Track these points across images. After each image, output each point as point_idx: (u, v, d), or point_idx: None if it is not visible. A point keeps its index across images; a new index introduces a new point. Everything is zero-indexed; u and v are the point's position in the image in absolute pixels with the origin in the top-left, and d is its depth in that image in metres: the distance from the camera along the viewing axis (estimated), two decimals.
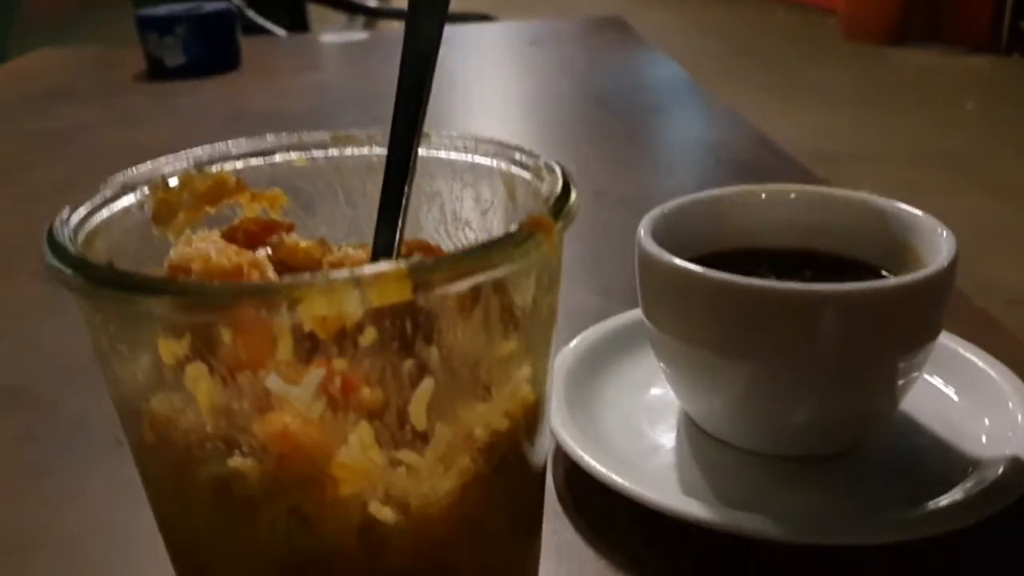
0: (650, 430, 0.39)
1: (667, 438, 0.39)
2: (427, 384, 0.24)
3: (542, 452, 0.29)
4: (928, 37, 3.88)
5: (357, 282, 0.21)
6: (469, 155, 0.31)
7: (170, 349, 0.23)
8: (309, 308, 0.21)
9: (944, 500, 0.33)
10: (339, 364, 0.23)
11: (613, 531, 0.35)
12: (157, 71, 1.18)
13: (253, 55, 1.25)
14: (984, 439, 0.36)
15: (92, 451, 0.42)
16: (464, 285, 0.23)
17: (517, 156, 0.30)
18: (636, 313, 0.45)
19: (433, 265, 0.22)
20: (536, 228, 0.24)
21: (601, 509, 0.36)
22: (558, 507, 0.36)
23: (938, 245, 0.36)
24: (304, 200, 0.33)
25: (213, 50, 1.20)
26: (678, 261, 0.35)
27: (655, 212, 0.39)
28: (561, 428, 0.37)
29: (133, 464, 0.40)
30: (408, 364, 0.23)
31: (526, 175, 0.30)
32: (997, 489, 0.33)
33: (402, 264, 0.22)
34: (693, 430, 0.39)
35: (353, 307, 0.22)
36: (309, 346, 0.23)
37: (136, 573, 0.34)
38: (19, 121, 1.01)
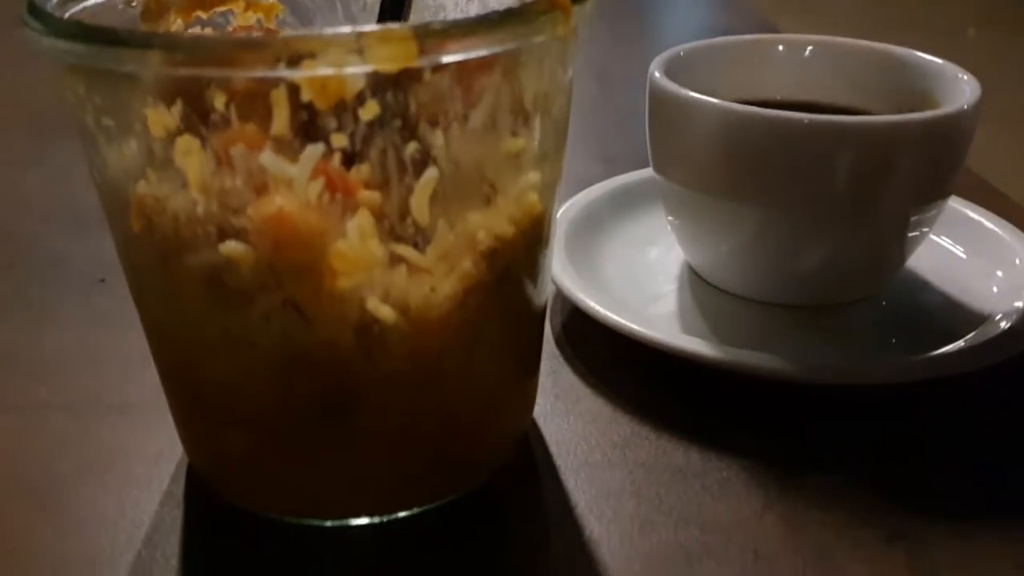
0: (653, 283, 0.38)
1: (670, 289, 0.38)
2: (431, 174, 0.22)
3: (545, 277, 0.28)
4: None
5: (360, 39, 0.20)
6: None
7: (160, 120, 0.21)
8: (309, 65, 0.20)
9: (952, 347, 0.32)
10: (338, 140, 0.21)
11: (611, 372, 0.34)
12: None
13: None
14: (994, 294, 0.36)
15: (71, 286, 0.41)
16: (474, 54, 0.21)
17: None
18: (640, 174, 0.44)
19: (442, 28, 0.21)
20: (554, 5, 0.22)
21: (600, 352, 0.35)
22: (556, 351, 0.35)
23: (960, 91, 0.35)
24: (300, 11, 0.31)
25: None
26: (692, 94, 0.34)
27: (669, 53, 0.38)
28: (562, 273, 0.36)
29: (115, 298, 0.39)
30: (411, 147, 0.22)
31: None
32: (1005, 338, 0.32)
33: (407, 27, 0.20)
34: (697, 282, 0.38)
35: (355, 67, 0.20)
36: (307, 118, 0.21)
37: (115, 394, 0.33)
38: None
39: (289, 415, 0.25)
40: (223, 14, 0.30)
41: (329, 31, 0.20)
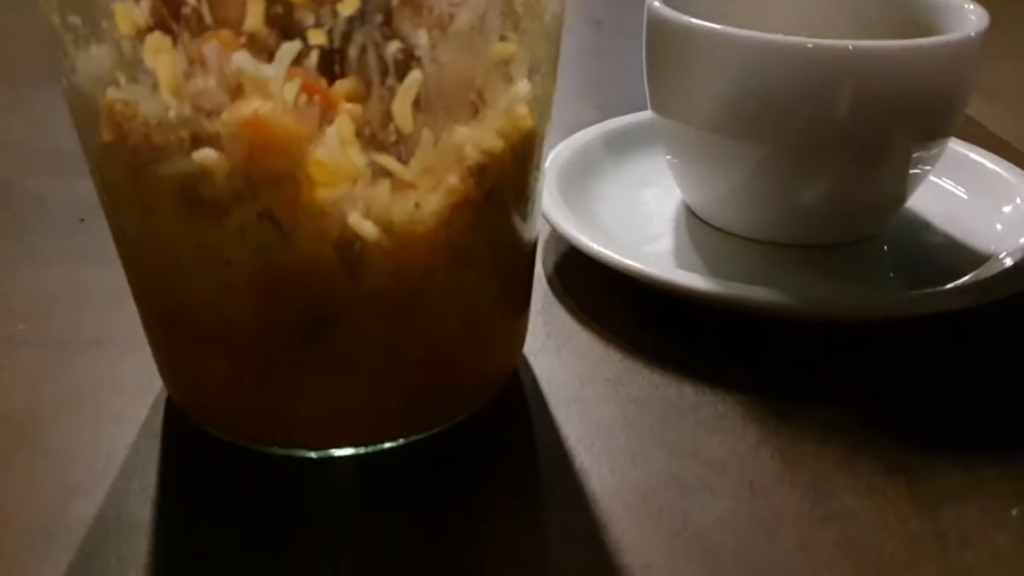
0: (649, 223, 0.37)
1: (666, 228, 0.37)
2: (414, 76, 0.21)
3: (536, 202, 0.27)
4: None
5: None
6: None
7: (127, 15, 0.20)
8: None
9: (954, 284, 0.31)
10: (315, 36, 0.20)
11: (604, 310, 0.33)
12: None
13: None
14: (997, 232, 0.35)
15: (51, 227, 0.40)
16: None
17: None
18: (637, 116, 0.43)
19: None
20: None
21: (593, 290, 0.34)
22: (548, 289, 0.34)
23: (966, 20, 0.33)
24: None
25: None
26: (692, 20, 0.32)
27: None
28: (554, 211, 0.35)
29: (94, 238, 0.38)
30: (393, 47, 0.21)
31: None
32: (1009, 274, 0.31)
33: None
34: (695, 222, 0.37)
35: None
36: (283, 12, 0.20)
37: (93, 329, 0.32)
38: None
39: (268, 337, 0.24)
40: None
41: None
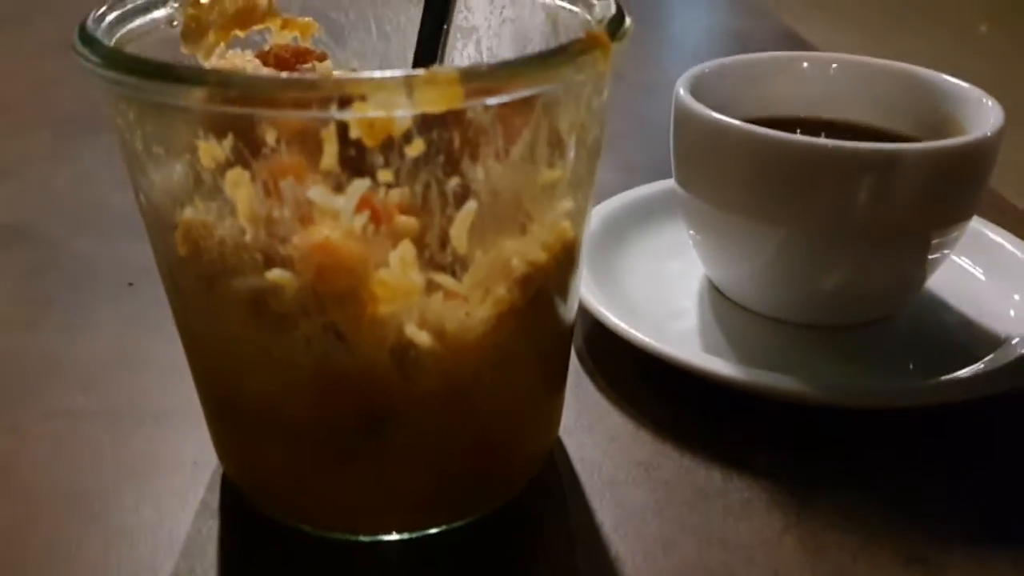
0: (674, 297, 0.39)
1: (691, 304, 0.39)
2: (471, 206, 0.23)
3: (574, 298, 0.29)
4: None
5: (409, 82, 0.21)
6: None
7: (210, 152, 0.22)
8: (359, 106, 0.20)
9: (970, 370, 0.33)
10: (384, 175, 0.22)
11: (633, 388, 0.35)
12: None
13: None
14: (1012, 316, 0.36)
15: (101, 289, 0.41)
16: (517, 95, 0.22)
17: None
18: (661, 184, 0.44)
19: (487, 71, 0.21)
20: (594, 44, 0.23)
21: (621, 367, 0.36)
22: (579, 367, 0.36)
23: (984, 116, 0.35)
24: (335, 31, 0.32)
25: None
26: (717, 116, 0.34)
27: (694, 70, 0.38)
28: (583, 287, 0.36)
29: (144, 302, 0.40)
30: (453, 182, 0.23)
31: (572, 7, 0.29)
32: (1021, 362, 0.33)
33: (455, 68, 0.21)
34: (718, 298, 0.39)
35: (403, 108, 0.21)
36: (355, 154, 0.22)
37: (150, 401, 0.34)
38: None
39: (326, 432, 0.26)
40: (260, 32, 0.31)
41: (379, 74, 0.20)
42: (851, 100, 0.39)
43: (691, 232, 0.39)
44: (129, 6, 0.27)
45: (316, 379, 0.25)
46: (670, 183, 0.42)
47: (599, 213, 0.42)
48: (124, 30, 0.26)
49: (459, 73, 0.21)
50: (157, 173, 0.24)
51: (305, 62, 0.30)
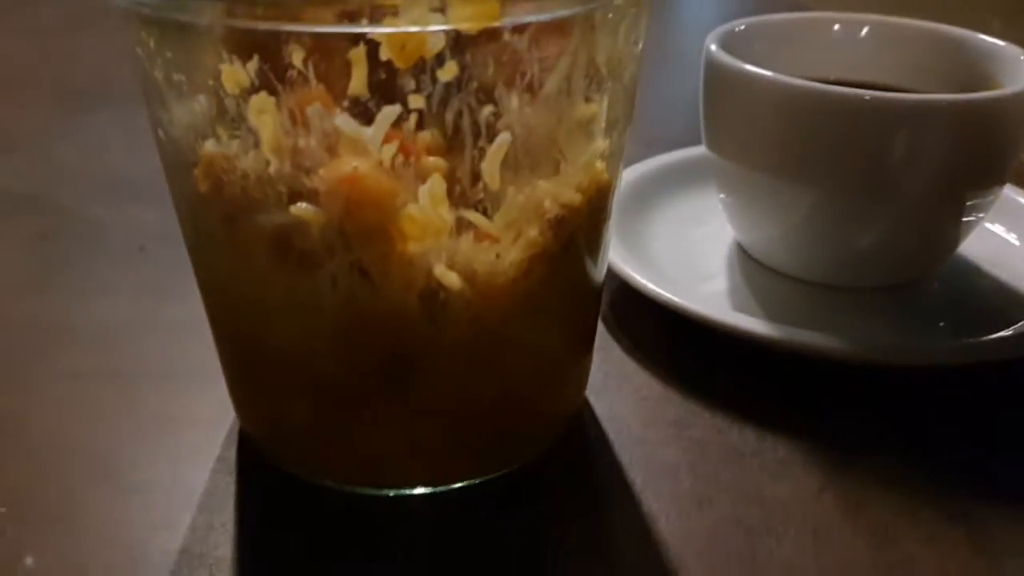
0: (702, 261, 0.38)
1: (720, 267, 0.38)
2: (504, 138, 0.22)
3: (605, 251, 0.28)
4: None
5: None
6: None
7: (234, 76, 0.21)
8: (391, 21, 0.19)
9: (1007, 332, 0.32)
10: (415, 101, 0.21)
11: (661, 350, 0.34)
12: None
13: None
14: None
15: (113, 254, 0.41)
16: (556, 14, 0.21)
17: None
18: (686, 152, 0.44)
19: None
20: None
21: (649, 329, 0.35)
22: (605, 330, 0.35)
23: (1021, 72, 0.34)
24: None
25: None
26: (749, 67, 0.33)
27: (725, 28, 0.37)
28: (611, 250, 0.35)
29: (156, 266, 0.39)
30: (486, 111, 0.22)
31: None
32: None
33: None
34: (748, 261, 0.38)
35: (436, 23, 0.20)
36: (384, 78, 0.21)
37: (163, 362, 0.33)
38: None
39: (350, 381, 0.25)
40: None
41: None
42: (884, 62, 0.38)
43: (721, 196, 0.38)
44: None
45: (340, 322, 0.24)
46: (696, 151, 0.41)
47: (625, 179, 0.41)
48: None
49: None
50: (178, 106, 0.23)
51: None
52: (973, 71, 0.37)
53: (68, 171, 0.49)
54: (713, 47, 0.36)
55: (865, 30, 0.39)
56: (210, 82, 0.22)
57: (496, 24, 0.20)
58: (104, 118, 0.56)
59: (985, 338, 0.31)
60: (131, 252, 0.41)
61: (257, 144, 0.22)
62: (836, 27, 0.40)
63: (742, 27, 0.38)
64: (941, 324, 0.34)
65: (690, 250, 0.38)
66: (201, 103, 0.23)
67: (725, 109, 0.36)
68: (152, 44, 0.22)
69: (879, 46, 0.39)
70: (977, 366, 0.31)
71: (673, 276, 0.36)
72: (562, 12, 0.21)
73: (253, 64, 0.21)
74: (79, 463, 0.29)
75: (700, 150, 0.38)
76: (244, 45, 0.21)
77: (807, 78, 0.39)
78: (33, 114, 0.57)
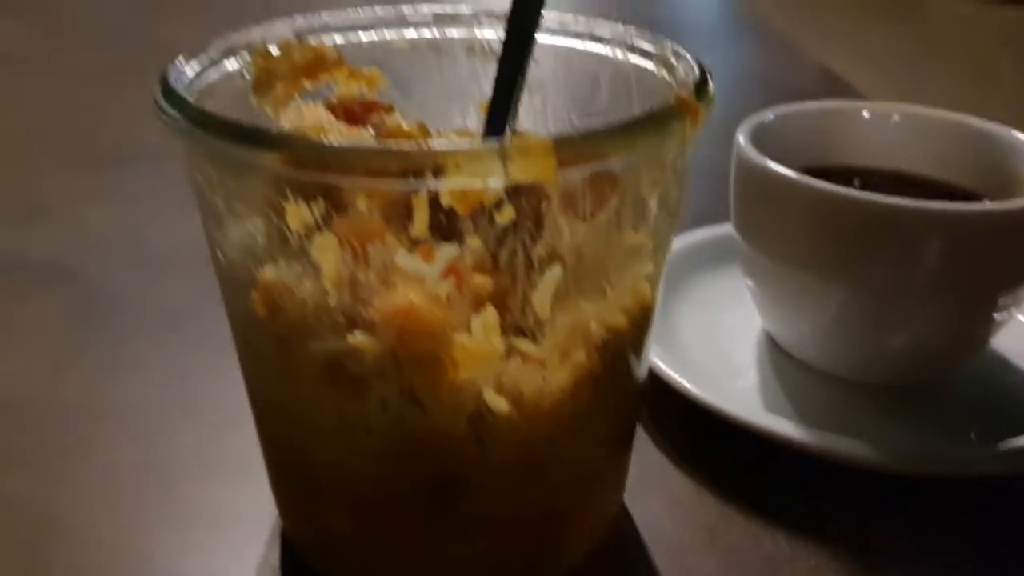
0: (732, 350, 0.38)
1: (750, 359, 0.38)
2: (555, 271, 0.23)
3: (646, 359, 0.28)
4: None
5: (503, 154, 0.20)
6: (582, 41, 0.30)
7: (299, 215, 0.22)
8: (452, 176, 0.20)
9: None
10: (472, 242, 0.22)
11: (694, 447, 0.34)
12: None
13: None
14: None
15: (146, 331, 0.41)
16: (609, 164, 0.21)
17: (637, 42, 0.29)
18: (711, 230, 0.44)
19: (581, 140, 0.21)
20: (684, 110, 0.23)
21: (682, 425, 0.35)
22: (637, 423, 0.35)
23: None
24: (401, 82, 0.31)
25: None
26: (781, 169, 0.34)
27: (754, 119, 0.38)
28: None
29: (188, 344, 0.39)
30: (540, 247, 0.22)
31: (647, 64, 0.28)
32: None
33: (548, 138, 0.21)
34: (776, 353, 0.38)
35: (496, 178, 0.20)
36: (444, 220, 0.22)
37: (201, 451, 0.33)
38: (38, 12, 0.97)
39: (397, 498, 0.25)
40: (327, 83, 0.30)
41: (472, 144, 0.20)
42: (913, 151, 0.39)
43: (749, 283, 0.38)
44: (206, 59, 0.26)
45: (389, 443, 0.24)
46: (721, 229, 0.42)
47: None
48: (202, 84, 0.26)
49: (553, 143, 0.20)
50: (237, 230, 0.24)
51: (373, 113, 0.30)
52: (1002, 165, 0.37)
53: (98, 239, 0.50)
54: (742, 140, 0.36)
55: (894, 119, 0.40)
56: (272, 215, 0.22)
57: (553, 177, 0.21)
58: (132, 180, 0.56)
59: (1019, 445, 0.31)
60: (164, 329, 0.41)
61: (317, 275, 0.22)
62: (865, 115, 0.40)
63: (771, 117, 0.39)
64: (973, 425, 0.34)
65: (719, 339, 0.39)
66: (261, 231, 0.23)
67: (756, 203, 0.36)
68: (214, 175, 0.23)
69: (908, 136, 0.39)
70: (1012, 476, 0.32)
71: (703, 368, 0.36)
72: (617, 161, 0.22)
73: (318, 205, 0.21)
74: (118, 560, 0.29)
75: (725, 229, 0.39)
76: (310, 188, 0.21)
77: (836, 166, 0.39)
78: (61, 175, 0.58)
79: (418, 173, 0.20)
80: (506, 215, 0.21)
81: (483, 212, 0.21)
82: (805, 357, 0.37)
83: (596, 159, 0.21)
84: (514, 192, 0.21)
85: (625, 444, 0.30)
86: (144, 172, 0.57)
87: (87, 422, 0.35)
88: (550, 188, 0.22)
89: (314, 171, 0.20)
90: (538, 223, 0.22)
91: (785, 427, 0.32)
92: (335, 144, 0.21)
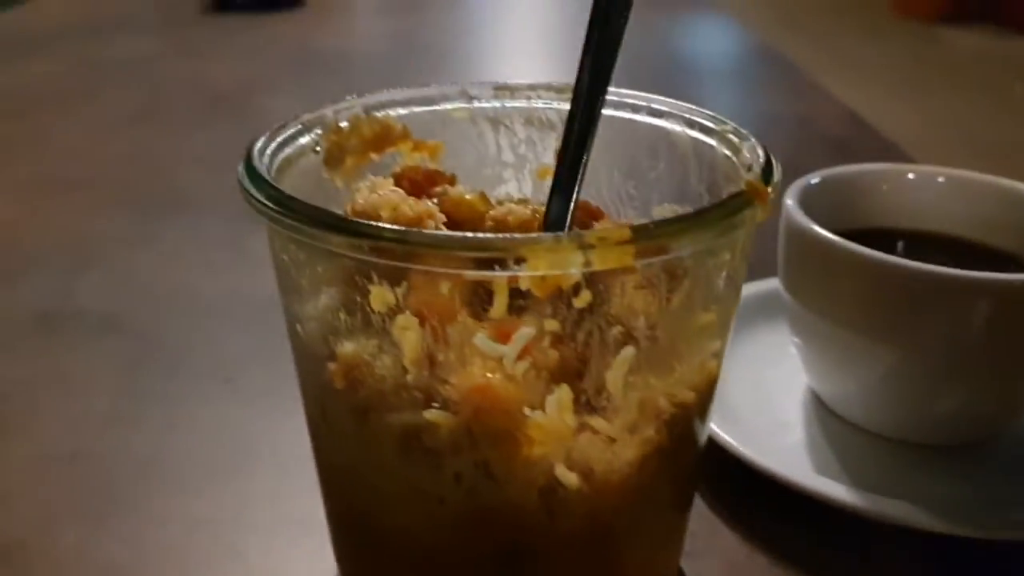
0: (779, 407, 0.39)
1: (796, 417, 0.38)
2: (628, 352, 0.23)
3: (708, 426, 0.29)
4: (983, 17, 3.74)
5: (582, 244, 0.21)
6: (641, 115, 0.31)
7: (382, 297, 0.23)
8: (533, 266, 0.21)
9: None
10: (550, 324, 0.22)
11: (745, 508, 0.34)
12: (222, 4, 1.17)
13: None
14: None
15: (199, 384, 0.42)
16: (683, 252, 0.22)
17: (698, 119, 0.29)
18: (757, 285, 0.44)
19: (657, 230, 0.22)
20: (755, 197, 0.23)
21: (733, 484, 0.35)
22: None
23: None
24: (461, 149, 0.32)
25: None
26: (828, 235, 0.34)
27: (801, 182, 0.39)
28: None
29: (243, 400, 0.40)
30: (615, 330, 0.23)
31: (707, 139, 0.29)
32: None
33: (627, 228, 0.21)
34: (822, 410, 0.38)
35: (575, 267, 0.21)
36: (523, 303, 0.22)
37: (258, 509, 0.34)
38: (82, 49, 1.00)
39: (464, 566, 0.26)
40: (391, 154, 0.31)
41: (553, 236, 0.21)
42: (958, 214, 0.40)
43: (796, 340, 0.39)
44: (283, 136, 0.27)
45: (460, 514, 0.25)
46: (767, 284, 0.42)
47: None
48: (279, 159, 0.27)
49: (631, 233, 0.21)
50: (317, 306, 0.25)
51: (436, 185, 0.30)
52: None
53: (147, 288, 0.51)
54: (790, 203, 0.37)
55: (938, 182, 0.40)
56: (355, 297, 0.23)
57: (630, 265, 0.21)
58: (178, 226, 0.57)
59: None
60: (217, 382, 0.42)
61: (396, 352, 0.23)
62: (911, 176, 0.41)
63: (817, 180, 0.39)
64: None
65: (766, 397, 0.39)
66: (342, 308, 0.24)
67: (803, 265, 0.37)
68: (301, 256, 0.24)
69: (953, 198, 0.40)
70: None
71: (750, 424, 0.37)
72: (691, 249, 0.22)
73: (402, 289, 0.22)
74: None
75: (771, 284, 0.39)
76: (394, 273, 0.22)
77: (882, 228, 0.40)
78: (107, 221, 0.59)
79: (501, 263, 0.21)
80: (583, 300, 0.22)
81: (561, 296, 0.22)
82: (852, 417, 0.37)
83: (672, 249, 0.22)
84: (592, 279, 0.22)
85: (685, 508, 0.30)
86: (189, 218, 0.58)
87: (140, 476, 0.36)
88: (628, 274, 0.23)
89: (398, 259, 0.21)
90: (613, 306, 0.23)
91: (836, 490, 0.32)
92: (421, 235, 0.21)
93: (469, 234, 0.21)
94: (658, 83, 0.86)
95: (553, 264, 0.21)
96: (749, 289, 0.44)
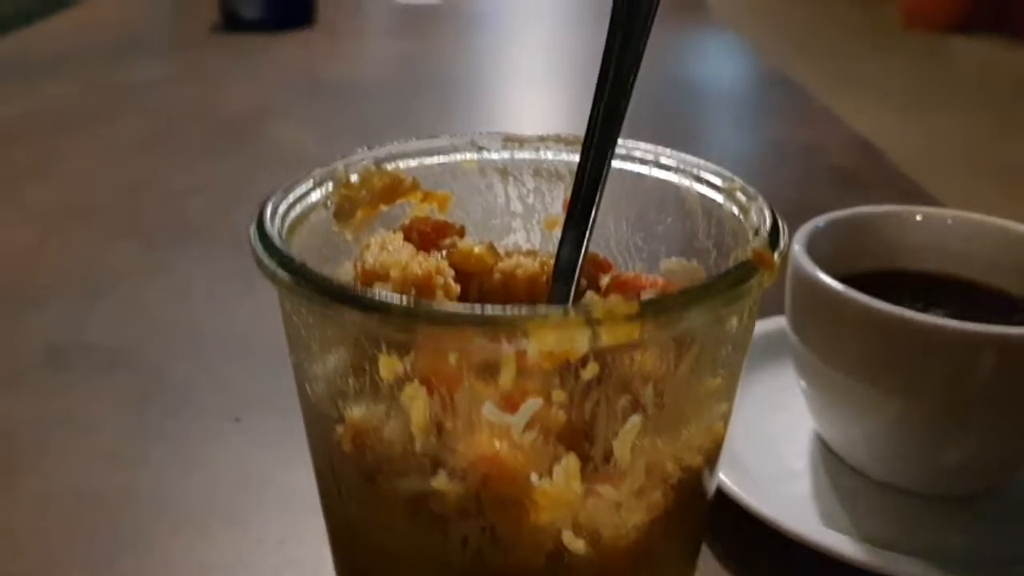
0: (785, 454, 0.39)
1: (802, 465, 0.38)
2: (635, 420, 0.23)
3: (715, 484, 0.29)
4: (994, 27, 3.72)
5: (589, 319, 0.21)
6: (649, 168, 0.31)
7: (390, 366, 0.23)
8: (540, 342, 0.21)
9: None
10: (558, 396, 0.22)
11: (750, 558, 0.34)
12: (232, 23, 1.17)
13: (327, 12, 1.24)
14: None
15: (207, 423, 0.42)
16: (690, 324, 0.22)
17: (705, 175, 0.29)
18: (763, 324, 0.44)
19: (664, 305, 0.22)
20: (762, 264, 0.23)
21: (737, 533, 0.35)
22: None
23: None
24: (469, 200, 0.32)
25: (289, 4, 1.20)
26: (833, 283, 0.35)
27: (809, 226, 0.39)
28: None
29: (250, 440, 0.40)
30: (623, 400, 0.23)
31: (714, 195, 0.29)
32: None
33: (635, 303, 0.21)
34: (829, 457, 0.38)
35: (582, 343, 0.21)
36: (531, 377, 0.22)
37: (277, 556, 0.34)
38: (92, 72, 1.00)
39: None
40: (400, 205, 0.32)
41: (561, 311, 0.21)
42: (965, 256, 0.40)
43: (802, 383, 0.39)
44: (295, 195, 0.27)
45: None
46: (773, 323, 0.42)
47: None
48: (290, 219, 0.27)
49: (639, 308, 0.21)
50: (326, 368, 0.25)
51: (445, 236, 0.31)
52: None
53: (156, 322, 0.51)
54: (797, 248, 0.37)
55: (946, 224, 0.40)
56: (365, 363, 0.23)
57: (638, 339, 0.21)
58: (185, 259, 0.58)
59: None
60: (226, 421, 0.42)
61: (404, 419, 0.23)
62: (918, 218, 0.41)
63: (824, 223, 0.40)
64: None
65: (771, 442, 0.39)
66: (351, 374, 0.24)
67: (809, 311, 0.37)
68: (312, 321, 0.24)
69: (960, 240, 0.40)
70: None
71: (756, 472, 0.37)
72: (698, 320, 0.22)
73: (410, 359, 0.22)
74: None
75: (779, 323, 0.39)
76: (403, 344, 0.22)
77: (889, 270, 0.40)
78: (116, 249, 0.59)
79: (509, 338, 0.21)
80: (590, 371, 0.22)
81: (568, 367, 0.22)
82: (857, 463, 0.37)
83: (679, 322, 0.22)
84: (600, 351, 0.22)
85: (692, 562, 0.30)
86: (197, 250, 0.59)
87: (146, 515, 0.36)
88: (636, 345, 0.23)
89: (407, 333, 0.21)
90: (620, 376, 0.23)
91: (842, 544, 0.32)
92: (429, 309, 0.21)
93: (477, 308, 0.21)
94: (664, 109, 0.87)
95: (560, 340, 0.21)
96: (756, 328, 0.44)
